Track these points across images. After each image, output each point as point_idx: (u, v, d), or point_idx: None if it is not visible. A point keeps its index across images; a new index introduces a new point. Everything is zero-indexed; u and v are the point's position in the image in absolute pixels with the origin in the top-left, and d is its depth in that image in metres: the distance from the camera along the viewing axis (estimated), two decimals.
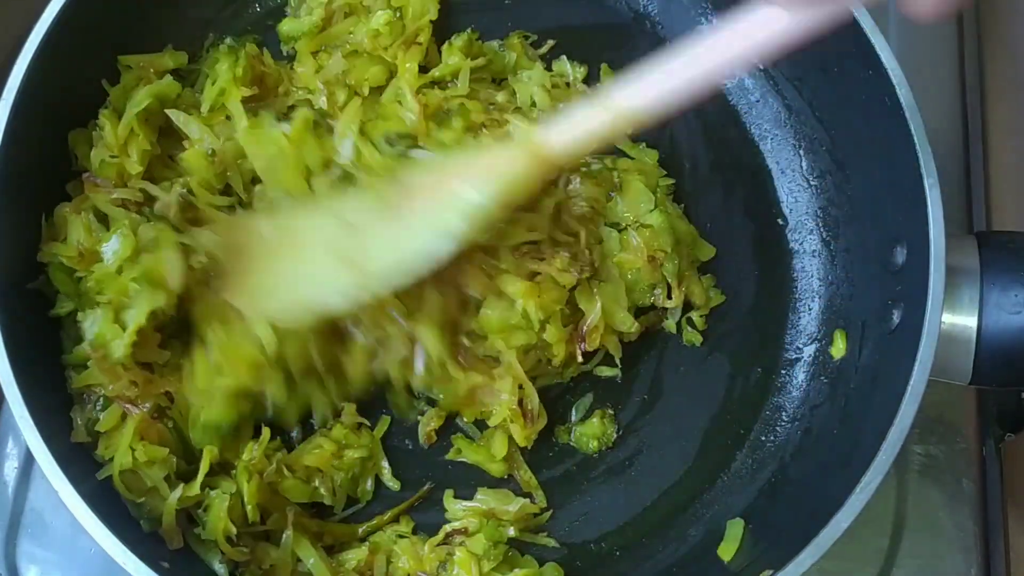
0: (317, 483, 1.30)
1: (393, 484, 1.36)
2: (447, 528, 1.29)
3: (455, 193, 1.15)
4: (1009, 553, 1.43)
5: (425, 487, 1.36)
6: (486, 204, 1.13)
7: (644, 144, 1.50)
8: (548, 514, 1.36)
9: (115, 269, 1.24)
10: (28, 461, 1.45)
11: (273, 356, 1.23)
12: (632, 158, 1.47)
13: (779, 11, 0.95)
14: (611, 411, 1.41)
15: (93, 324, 1.23)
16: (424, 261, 1.16)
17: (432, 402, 1.38)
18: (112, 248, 1.26)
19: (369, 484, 1.35)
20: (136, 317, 1.22)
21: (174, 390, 1.26)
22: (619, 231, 1.38)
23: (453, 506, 1.33)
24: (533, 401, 1.32)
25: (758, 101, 1.54)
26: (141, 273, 1.23)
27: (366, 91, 1.45)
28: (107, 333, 1.22)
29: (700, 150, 1.54)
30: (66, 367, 1.28)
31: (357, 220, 1.23)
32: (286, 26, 1.52)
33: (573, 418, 1.41)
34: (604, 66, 1.55)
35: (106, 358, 1.22)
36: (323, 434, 1.34)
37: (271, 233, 1.29)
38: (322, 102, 1.43)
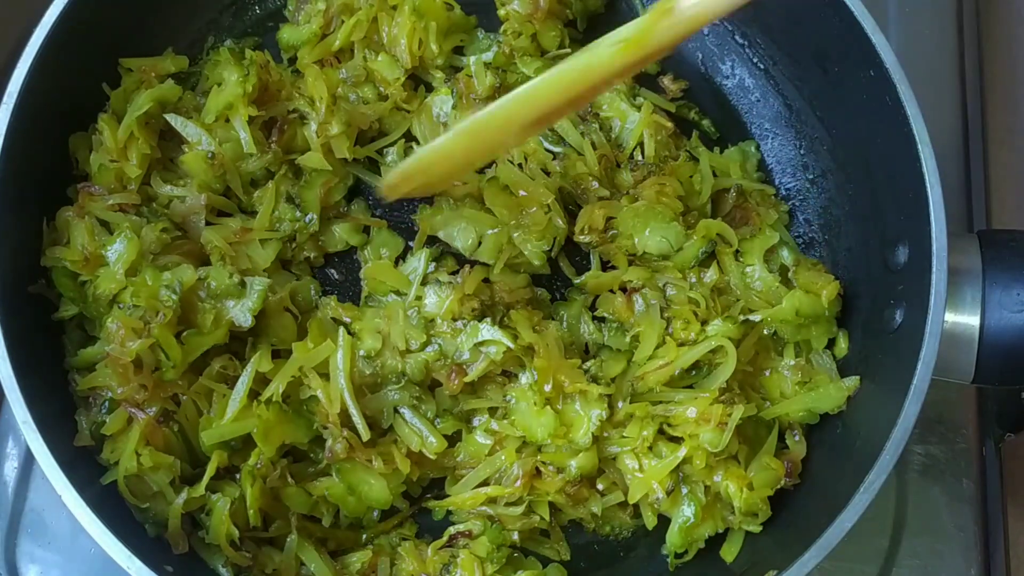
0: (318, 500, 1.28)
1: (402, 505, 1.33)
2: (451, 531, 1.29)
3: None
4: (1009, 553, 1.44)
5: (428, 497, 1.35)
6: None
7: None
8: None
9: (131, 273, 1.25)
10: (28, 461, 1.44)
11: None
12: None
13: None
14: None
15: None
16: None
17: None
18: (117, 251, 1.26)
19: (375, 514, 1.31)
20: (200, 349, 1.25)
21: (182, 393, 1.25)
22: None
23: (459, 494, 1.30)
24: None
25: (759, 101, 1.54)
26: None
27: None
28: (173, 351, 1.22)
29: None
30: (69, 370, 1.27)
31: None
32: (285, 34, 1.51)
33: None
34: None
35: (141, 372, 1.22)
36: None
37: None
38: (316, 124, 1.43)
